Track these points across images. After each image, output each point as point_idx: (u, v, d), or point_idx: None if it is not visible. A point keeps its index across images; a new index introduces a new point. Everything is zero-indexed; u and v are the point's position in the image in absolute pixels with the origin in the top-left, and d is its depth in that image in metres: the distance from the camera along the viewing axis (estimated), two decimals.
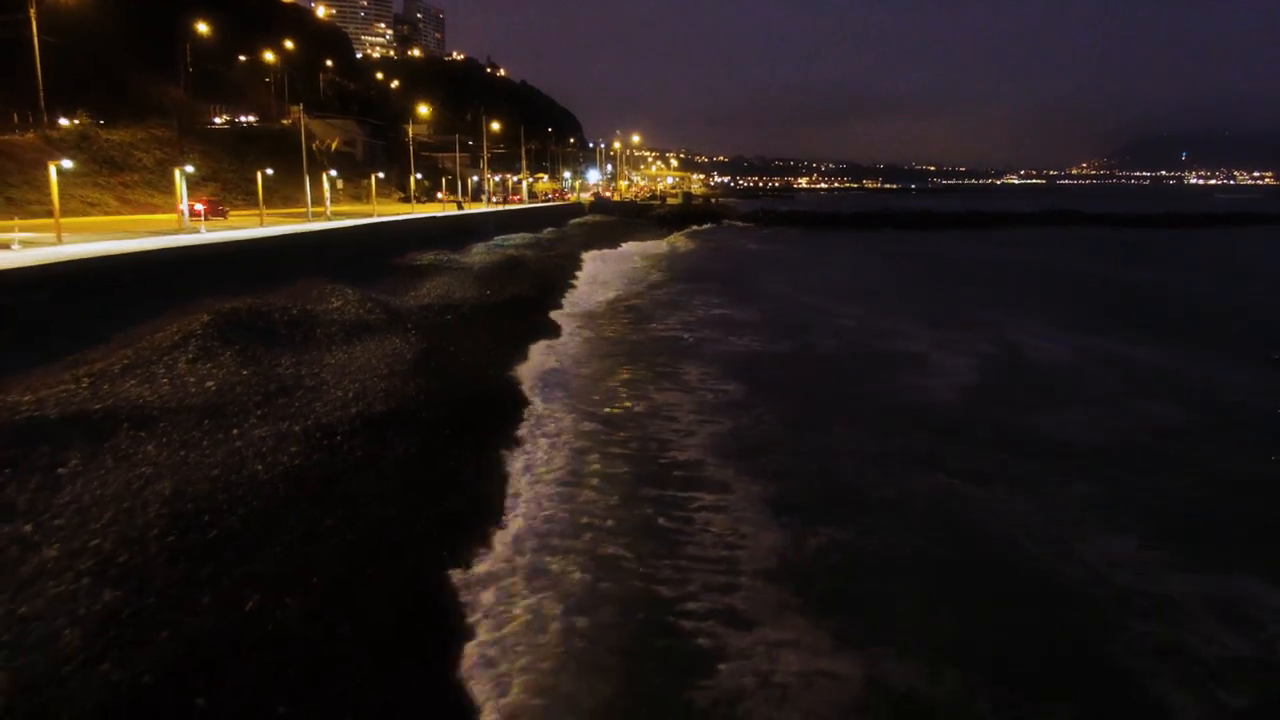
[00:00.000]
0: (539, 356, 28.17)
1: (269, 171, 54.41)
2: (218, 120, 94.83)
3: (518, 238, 62.44)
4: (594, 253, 62.30)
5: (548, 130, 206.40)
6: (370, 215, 58.99)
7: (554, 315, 36.64)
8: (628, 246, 75.18)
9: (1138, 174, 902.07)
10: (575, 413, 21.76)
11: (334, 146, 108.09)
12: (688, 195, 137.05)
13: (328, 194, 50.01)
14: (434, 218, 58.03)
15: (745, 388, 24.80)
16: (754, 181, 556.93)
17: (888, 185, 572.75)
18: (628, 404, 23.10)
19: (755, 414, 22.03)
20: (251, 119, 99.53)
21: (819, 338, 33.72)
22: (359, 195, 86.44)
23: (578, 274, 51.28)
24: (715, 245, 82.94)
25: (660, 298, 44.11)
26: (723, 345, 31.76)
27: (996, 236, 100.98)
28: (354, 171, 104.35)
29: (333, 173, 49.71)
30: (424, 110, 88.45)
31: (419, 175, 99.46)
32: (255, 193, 75.41)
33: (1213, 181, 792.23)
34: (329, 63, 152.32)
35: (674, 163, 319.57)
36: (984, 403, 24.31)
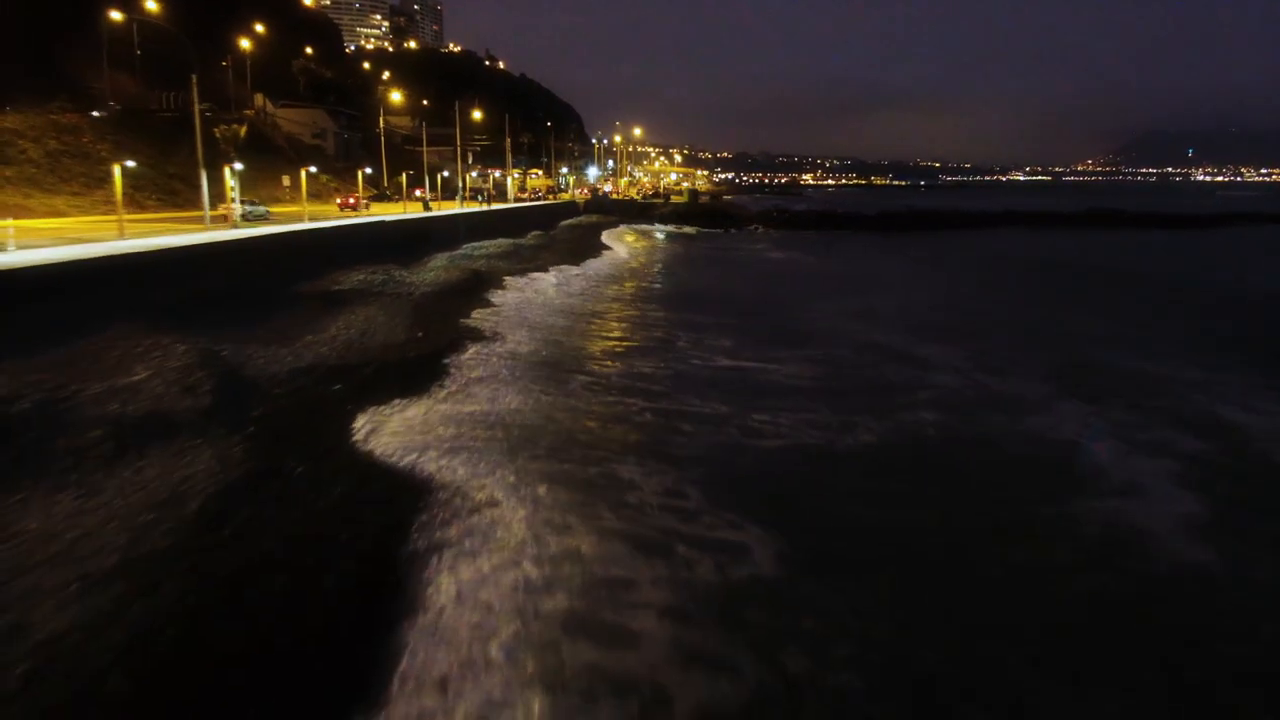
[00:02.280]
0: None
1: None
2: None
3: (492, 245, 51.48)
4: (577, 265, 49.45)
5: (546, 124, 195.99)
6: (322, 218, 48.30)
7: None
8: (623, 252, 64.00)
9: (1144, 170, 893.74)
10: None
11: (307, 139, 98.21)
12: (694, 193, 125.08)
13: (234, 191, 38.98)
14: (387, 223, 46.96)
15: (818, 575, 12.74)
16: (758, 178, 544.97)
17: (897, 182, 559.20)
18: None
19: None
20: (207, 108, 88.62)
21: (914, 420, 21.20)
22: (319, 193, 75.70)
23: (554, 292, 40.31)
24: (727, 252, 71.71)
25: (659, 335, 31.61)
26: (758, 449, 18.41)
27: (1046, 239, 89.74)
28: (324, 166, 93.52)
29: (238, 166, 38.46)
30: (397, 97, 77.65)
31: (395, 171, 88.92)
32: (182, 191, 65.09)
33: (1220, 178, 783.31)
34: (309, 50, 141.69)
35: (678, 159, 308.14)
36: (1253, 561, 13.45)
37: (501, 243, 53.24)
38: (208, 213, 36.56)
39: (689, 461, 16.90)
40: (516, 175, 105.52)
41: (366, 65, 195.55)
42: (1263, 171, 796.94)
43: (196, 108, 36.12)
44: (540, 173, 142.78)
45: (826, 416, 20.88)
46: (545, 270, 44.64)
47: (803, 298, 43.98)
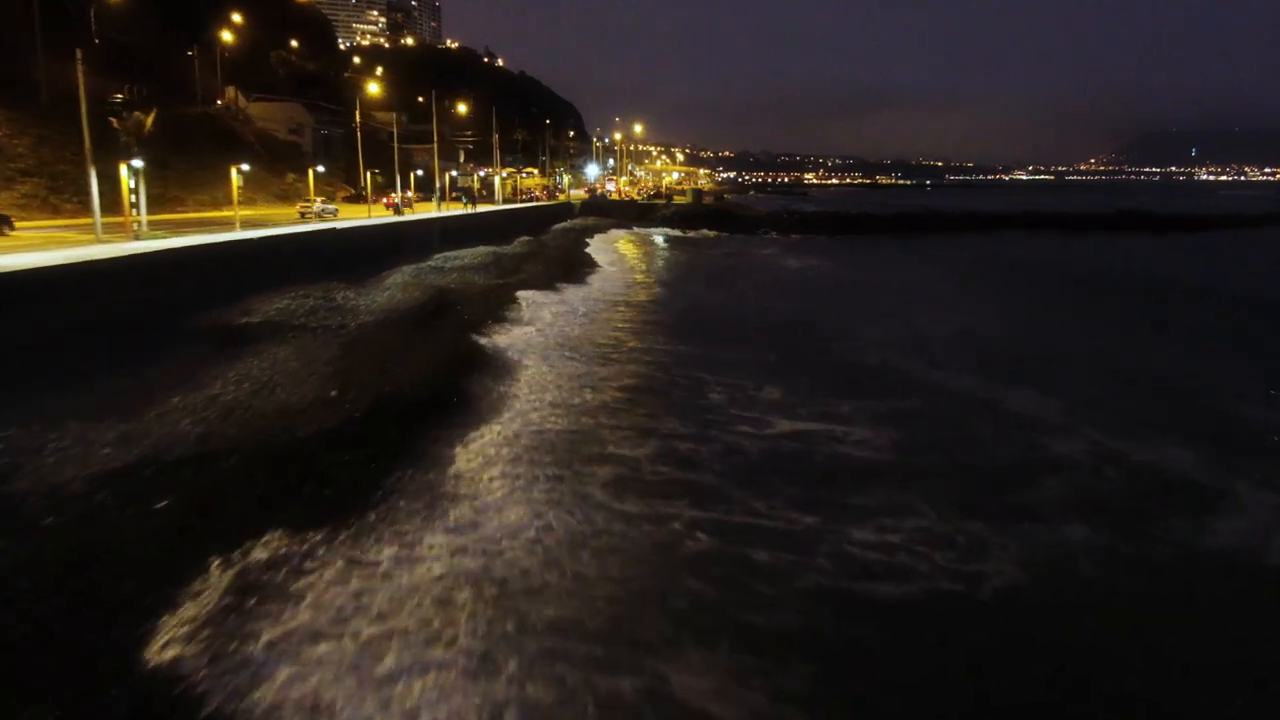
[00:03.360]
0: None
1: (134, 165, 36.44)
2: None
3: (469, 255, 44.24)
4: (569, 283, 41.43)
5: (545, 121, 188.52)
6: (272, 224, 41.34)
7: (474, 444, 18.13)
8: (621, 260, 56.87)
9: (1147, 170, 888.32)
10: None
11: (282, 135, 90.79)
12: (697, 194, 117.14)
13: (136, 194, 31.65)
14: (340, 231, 39.71)
15: None
16: (761, 177, 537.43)
17: (902, 181, 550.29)
18: None
19: None
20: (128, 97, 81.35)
21: (1061, 538, 13.87)
22: (285, 194, 68.62)
23: (543, 315, 33.07)
24: (741, 260, 64.49)
25: (685, 382, 24.31)
26: (876, 606, 11.59)
27: (1076, 244, 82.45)
28: (299, 165, 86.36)
29: (137, 163, 31.14)
30: (375, 89, 70.27)
31: (376, 170, 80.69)
32: (105, 192, 58.00)
33: (1224, 178, 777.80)
34: (294, 43, 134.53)
35: (680, 157, 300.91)
36: None
37: (481, 252, 46.04)
38: (98, 220, 29.24)
39: (782, 654, 9.70)
40: (504, 175, 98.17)
41: (357, 60, 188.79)
42: (1266, 170, 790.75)
43: (82, 90, 28.86)
44: (536, 171, 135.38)
45: (940, 525, 13.98)
46: (530, 288, 37.46)
47: (840, 320, 36.83)
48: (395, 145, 63.69)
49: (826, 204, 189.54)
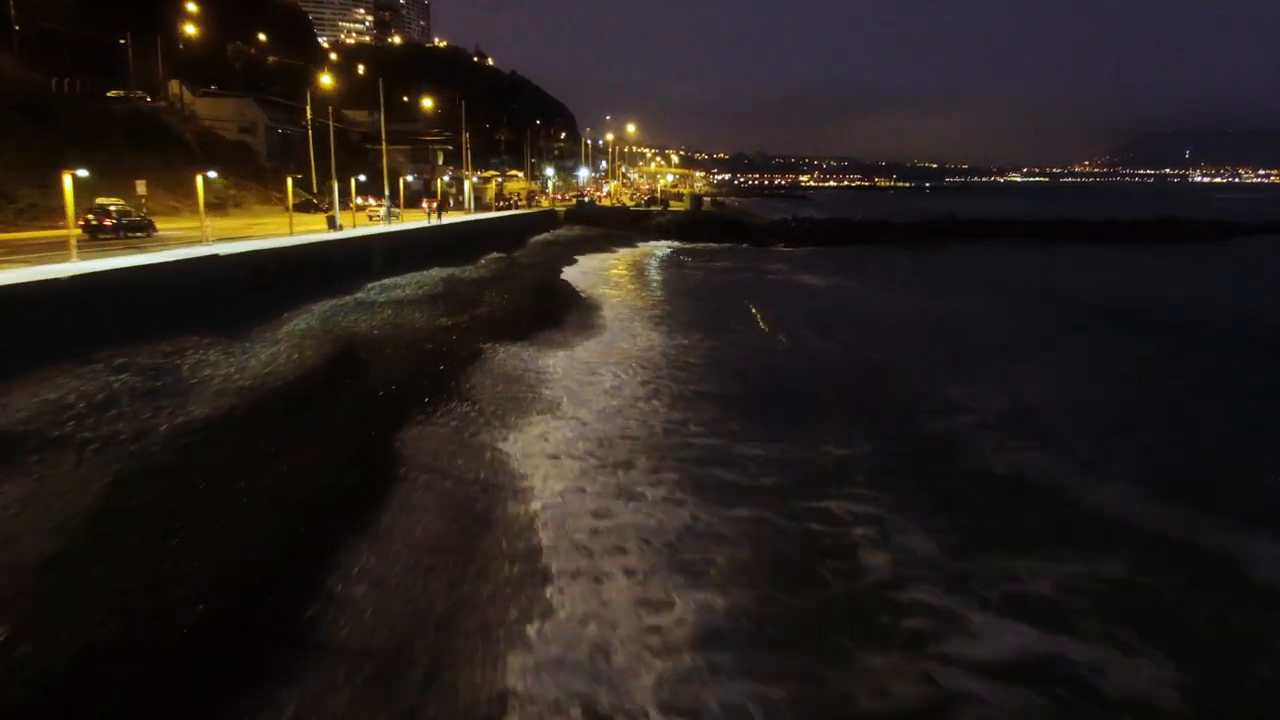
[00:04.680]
0: None
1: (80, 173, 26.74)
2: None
3: (414, 283, 34.32)
4: (543, 335, 30.06)
5: (536, 121, 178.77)
6: (210, 241, 31.52)
7: None
8: (615, 286, 47.07)
9: (1142, 172, 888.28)
10: None
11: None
12: (696, 199, 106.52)
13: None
14: (238, 255, 29.78)
15: None
16: (756, 179, 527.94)
17: (900, 184, 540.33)
18: None
19: None
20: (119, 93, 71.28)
21: None
22: (222, 203, 58.68)
23: (493, 388, 23.34)
24: (754, 279, 54.64)
25: (755, 525, 14.83)
26: None
27: (1119, 260, 73.09)
28: (250, 167, 76.42)
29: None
30: (327, 80, 60.33)
31: (363, 176, 70.20)
32: (26, 198, 48.19)
33: (1218, 179, 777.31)
34: (262, 36, 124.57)
35: (674, 159, 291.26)
36: None
37: (433, 276, 36.24)
38: None
39: None
40: (479, 178, 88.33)
41: (335, 56, 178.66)
42: (1260, 172, 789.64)
43: None
44: (521, 175, 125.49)
45: None
46: (495, 337, 27.73)
47: (912, 376, 27.24)
48: (331, 142, 53.62)
49: (828, 207, 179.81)
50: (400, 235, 42.97)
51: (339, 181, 57.78)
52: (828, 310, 42.05)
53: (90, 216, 33.53)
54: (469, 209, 70.01)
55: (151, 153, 60.11)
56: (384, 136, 60.11)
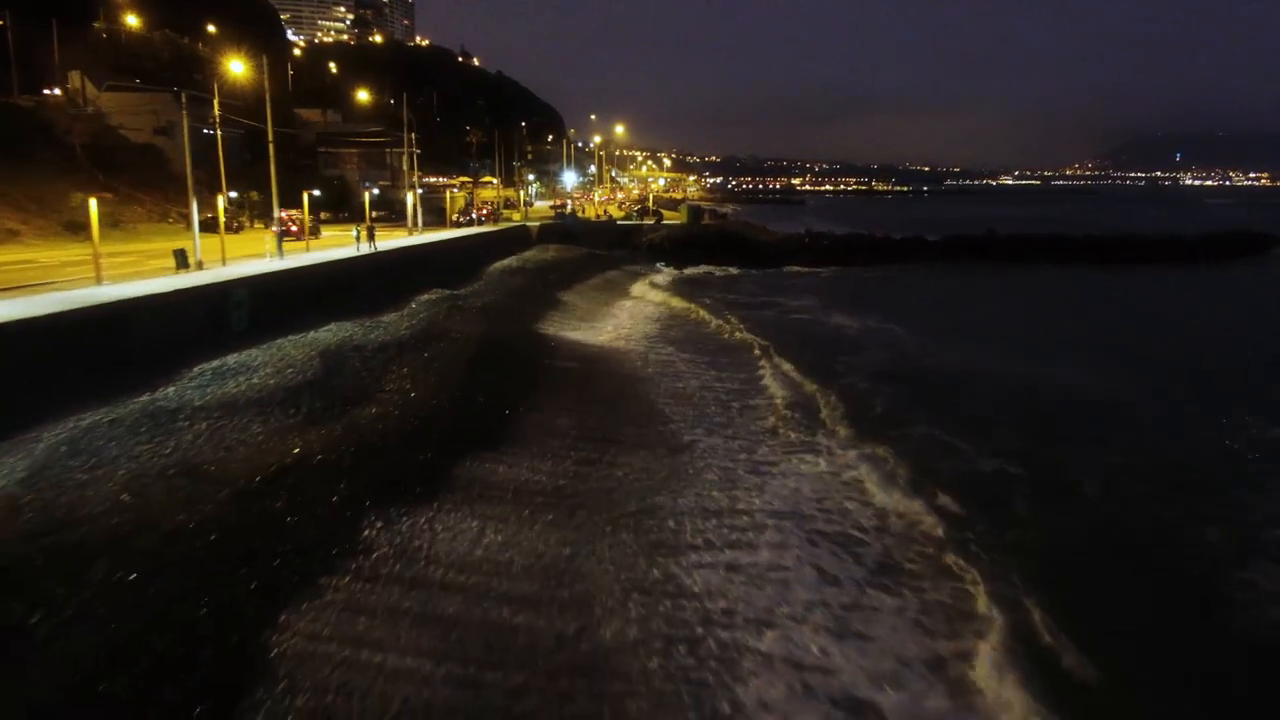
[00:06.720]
0: None
1: None
2: None
3: (274, 359, 21.80)
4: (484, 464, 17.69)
5: (520, 124, 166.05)
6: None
7: None
8: (602, 344, 34.54)
9: (1133, 174, 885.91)
10: None
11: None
12: (694, 210, 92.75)
13: None
14: None
15: None
16: (749, 182, 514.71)
17: (899, 187, 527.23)
18: None
19: None
20: None
21: None
22: (119, 218, 45.97)
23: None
24: (775, 316, 42.27)
25: None
26: None
27: (1211, 289, 61.04)
28: (158, 175, 63.46)
29: None
30: (239, 68, 48.10)
31: (319, 188, 56.55)
32: None
33: (1209, 182, 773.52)
34: (211, 28, 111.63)
35: (666, 163, 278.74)
36: None
37: (318, 343, 23.62)
38: None
39: None
40: (422, 191, 75.36)
41: (298, 52, 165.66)
42: (1251, 175, 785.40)
43: None
44: (496, 181, 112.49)
45: None
46: (366, 495, 15.26)
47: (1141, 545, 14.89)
48: (218, 135, 41.06)
49: (830, 215, 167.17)
50: (287, 275, 30.22)
51: (279, 193, 45.61)
52: (883, 372, 29.57)
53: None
54: (414, 228, 56.86)
55: (14, 160, 47.48)
56: (271, 131, 47.14)
